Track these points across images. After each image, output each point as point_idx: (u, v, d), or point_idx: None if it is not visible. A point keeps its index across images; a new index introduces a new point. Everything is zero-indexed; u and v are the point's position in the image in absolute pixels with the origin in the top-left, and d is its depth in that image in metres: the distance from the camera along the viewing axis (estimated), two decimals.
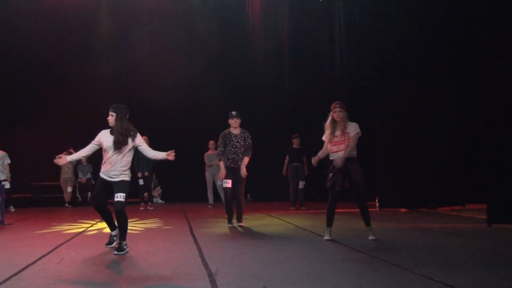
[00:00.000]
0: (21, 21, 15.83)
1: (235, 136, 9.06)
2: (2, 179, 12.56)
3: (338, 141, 7.28)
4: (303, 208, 13.05)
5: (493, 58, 8.91)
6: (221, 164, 9.11)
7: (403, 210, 11.91)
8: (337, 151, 7.29)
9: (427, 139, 12.00)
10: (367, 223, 7.41)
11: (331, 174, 7.30)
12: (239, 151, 9.03)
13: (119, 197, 6.56)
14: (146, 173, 13.49)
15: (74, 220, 11.12)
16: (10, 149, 15.00)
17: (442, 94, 12.21)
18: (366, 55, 14.22)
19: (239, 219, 9.26)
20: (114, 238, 7.08)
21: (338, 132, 7.29)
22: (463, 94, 12.37)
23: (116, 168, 6.68)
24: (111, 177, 6.69)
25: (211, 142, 13.83)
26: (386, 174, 12.22)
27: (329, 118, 7.39)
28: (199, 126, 15.78)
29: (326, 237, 7.43)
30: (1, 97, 15.84)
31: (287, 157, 13.29)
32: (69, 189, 15.05)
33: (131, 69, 16.24)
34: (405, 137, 12.13)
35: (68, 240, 7.88)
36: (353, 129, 7.30)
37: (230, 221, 9.31)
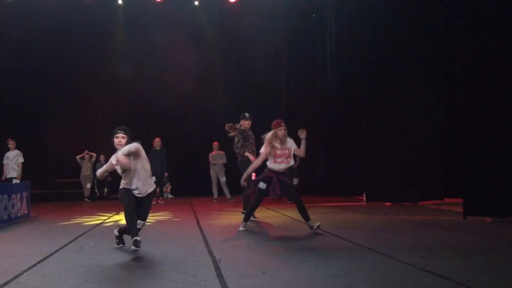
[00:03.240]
0: (44, 23, 15.68)
1: (250, 135, 9.13)
2: (13, 176, 12.49)
3: (281, 154, 7.29)
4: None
5: (470, 66, 8.93)
6: (249, 155, 8.89)
7: (387, 203, 11.91)
8: (280, 162, 7.32)
9: (410, 139, 12.01)
10: (307, 218, 7.33)
11: (265, 184, 7.27)
12: (254, 146, 9.07)
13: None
14: (166, 174, 13.53)
15: (92, 213, 11.13)
16: (35, 149, 15.07)
17: (424, 98, 12.20)
18: (355, 63, 14.23)
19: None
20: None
21: (282, 146, 7.33)
22: (443, 99, 12.36)
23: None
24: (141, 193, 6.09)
25: (215, 143, 13.85)
26: (372, 171, 12.24)
27: (273, 134, 7.31)
28: (205, 129, 15.76)
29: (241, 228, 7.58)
30: (27, 99, 15.75)
31: None
32: (88, 185, 15.06)
33: (148, 73, 16.13)
34: (390, 138, 12.15)
35: (87, 231, 7.89)
36: (292, 143, 7.41)
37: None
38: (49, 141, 15.76)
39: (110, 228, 8.42)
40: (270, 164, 7.38)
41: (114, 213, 10.94)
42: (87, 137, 15.81)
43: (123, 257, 5.59)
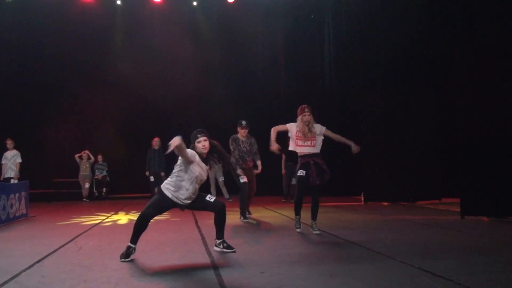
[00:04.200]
0: (43, 23, 15.66)
1: (242, 141, 9.07)
2: (11, 176, 12.45)
3: (305, 139, 7.17)
4: (293, 201, 13.14)
5: (468, 67, 8.96)
6: (239, 171, 8.93)
7: (386, 203, 11.93)
8: (304, 146, 7.19)
9: (408, 140, 12.05)
10: (315, 217, 7.26)
11: (304, 171, 7.12)
12: (245, 154, 9.03)
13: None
14: (163, 174, 13.49)
15: (91, 213, 11.12)
16: (34, 149, 15.06)
17: (421, 99, 12.24)
18: (352, 64, 14.26)
19: (249, 212, 9.41)
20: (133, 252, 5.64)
21: (309, 132, 7.21)
22: (440, 100, 12.40)
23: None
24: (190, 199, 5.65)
25: None
26: (371, 172, 12.27)
27: (300, 121, 7.25)
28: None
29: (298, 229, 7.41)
30: (26, 99, 15.73)
31: (284, 156, 13.35)
32: (87, 185, 15.05)
33: (147, 74, 16.08)
34: (388, 138, 12.18)
35: (86, 231, 7.88)
36: (321, 128, 7.28)
37: (245, 216, 9.11)
38: (47, 141, 15.77)
39: (109, 228, 8.43)
40: (295, 148, 7.24)
41: (112, 213, 10.93)
42: (86, 137, 15.81)
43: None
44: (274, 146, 7.26)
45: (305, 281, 4.34)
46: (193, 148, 5.60)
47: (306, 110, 7.23)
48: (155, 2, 16.13)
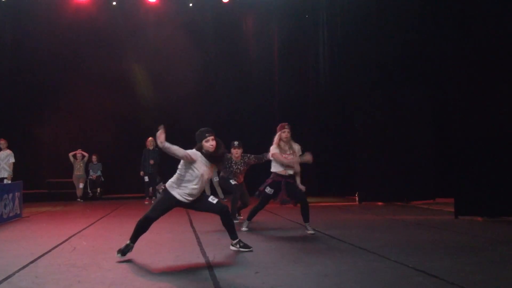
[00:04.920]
0: (37, 22, 15.53)
1: (235, 163, 8.90)
2: (4, 176, 12.39)
3: (287, 157, 7.22)
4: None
5: (461, 68, 9.00)
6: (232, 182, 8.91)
7: (380, 203, 11.95)
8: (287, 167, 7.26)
9: (402, 140, 12.07)
10: (307, 219, 7.29)
11: (272, 190, 7.26)
12: (237, 172, 8.90)
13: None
14: (159, 179, 13.43)
15: (85, 213, 11.09)
16: (28, 149, 14.99)
17: (416, 100, 12.27)
18: (347, 64, 14.28)
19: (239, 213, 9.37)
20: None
21: (288, 149, 7.29)
22: (435, 100, 12.44)
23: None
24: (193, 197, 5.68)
25: None
26: (365, 172, 12.30)
27: (278, 136, 7.27)
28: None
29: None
30: (20, 98, 15.63)
31: None
32: (81, 185, 14.99)
33: (142, 74, 16.04)
34: (382, 138, 12.20)
35: (80, 231, 7.86)
36: (299, 149, 7.37)
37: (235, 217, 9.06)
38: (41, 141, 15.70)
39: (103, 228, 8.40)
40: (276, 169, 7.29)
41: (107, 213, 10.90)
42: (80, 137, 15.73)
43: (115, 258, 5.57)
44: (308, 156, 7.36)
45: (299, 281, 4.35)
46: (200, 148, 5.63)
47: (286, 127, 7.31)
48: (150, 2, 16.08)
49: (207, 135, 5.63)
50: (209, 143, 5.59)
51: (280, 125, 7.42)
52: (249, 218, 7.76)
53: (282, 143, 7.25)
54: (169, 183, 5.67)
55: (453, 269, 4.70)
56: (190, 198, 5.62)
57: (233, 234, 5.92)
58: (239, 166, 8.91)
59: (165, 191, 5.64)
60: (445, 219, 8.70)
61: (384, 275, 4.52)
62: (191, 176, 5.53)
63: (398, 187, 11.99)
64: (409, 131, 12.11)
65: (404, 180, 11.89)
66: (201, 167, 5.57)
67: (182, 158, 5.48)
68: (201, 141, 5.64)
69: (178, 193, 5.57)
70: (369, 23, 13.38)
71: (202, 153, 5.61)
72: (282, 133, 7.27)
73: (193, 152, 5.56)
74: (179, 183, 5.58)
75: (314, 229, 7.26)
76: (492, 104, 8.53)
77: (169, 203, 5.63)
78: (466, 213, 8.68)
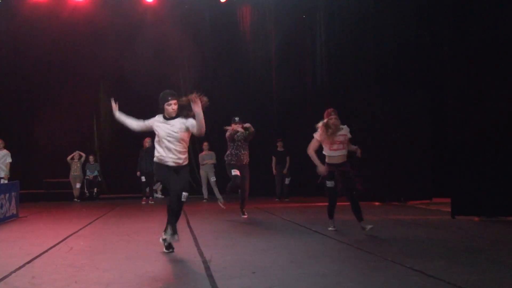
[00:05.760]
0: (34, 22, 15.45)
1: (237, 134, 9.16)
2: (1, 176, 12.34)
3: (335, 141, 7.08)
4: (286, 200, 13.54)
5: (458, 69, 9.02)
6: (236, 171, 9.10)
7: (377, 203, 11.96)
8: (336, 149, 7.09)
9: (399, 140, 12.08)
10: (360, 218, 7.16)
11: (332, 182, 7.12)
12: (241, 148, 9.11)
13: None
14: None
15: (82, 213, 11.07)
16: (25, 149, 14.96)
17: (413, 99, 12.29)
18: (344, 65, 14.30)
19: (242, 212, 9.48)
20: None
21: (336, 133, 7.07)
22: (431, 101, 12.46)
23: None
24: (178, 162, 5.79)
25: (205, 143, 13.86)
26: (361, 171, 12.27)
27: (324, 124, 7.08)
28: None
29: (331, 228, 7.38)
30: (17, 98, 15.57)
31: (274, 158, 13.77)
32: (78, 185, 14.96)
33: (138, 74, 15.92)
34: (379, 138, 12.21)
35: (77, 231, 7.84)
36: (348, 131, 7.21)
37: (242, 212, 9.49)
38: (38, 141, 15.64)
39: (99, 228, 8.39)
40: (326, 152, 7.12)
41: (103, 213, 10.88)
42: (77, 137, 15.69)
43: (112, 258, 5.56)
44: (322, 168, 7.09)
45: (296, 281, 4.35)
46: (162, 111, 5.73)
47: (332, 113, 7.12)
48: (147, 2, 16.04)
49: (169, 98, 5.66)
50: (171, 107, 5.65)
51: (326, 111, 7.19)
52: (330, 216, 7.41)
53: (329, 130, 6.98)
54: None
55: (450, 269, 4.70)
56: (172, 163, 5.70)
57: (170, 225, 5.69)
58: (240, 138, 9.12)
59: (154, 164, 5.88)
60: (442, 219, 8.72)
61: (381, 275, 4.52)
62: (158, 140, 5.78)
63: (395, 187, 12.00)
64: (406, 131, 12.12)
65: (401, 180, 11.91)
66: (161, 129, 5.71)
67: (138, 129, 5.87)
68: (163, 104, 5.71)
69: (159, 158, 5.75)
70: (366, 23, 13.39)
71: (164, 116, 5.77)
72: (329, 120, 7.05)
73: (150, 120, 5.81)
74: (157, 150, 5.80)
75: (370, 225, 6.99)
76: (488, 105, 8.55)
77: (163, 171, 5.77)
78: (463, 213, 8.70)
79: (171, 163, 5.75)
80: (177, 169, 5.79)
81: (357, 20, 13.71)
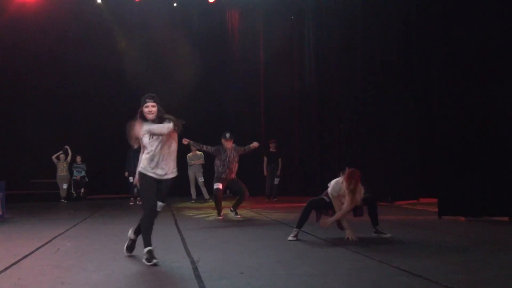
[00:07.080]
0: (22, 20, 15.29)
1: (228, 149, 9.35)
2: None
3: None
4: (275, 200, 13.61)
5: (445, 70, 9.10)
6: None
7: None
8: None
9: (386, 141, 12.14)
10: (375, 222, 7.04)
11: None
12: (232, 160, 9.30)
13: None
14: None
15: (68, 214, 10.98)
16: (11, 149, 14.81)
17: (399, 100, 12.34)
18: (333, 65, 14.33)
19: (235, 211, 9.68)
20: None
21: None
22: (418, 101, 12.54)
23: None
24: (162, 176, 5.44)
25: None
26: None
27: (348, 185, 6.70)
28: (184, 132, 15.58)
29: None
30: (2, 97, 15.36)
31: (265, 159, 13.79)
32: (65, 186, 14.84)
33: (129, 74, 15.82)
34: (367, 139, 12.28)
35: (64, 232, 7.77)
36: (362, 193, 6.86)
37: (219, 214, 9.62)
38: (24, 141, 15.47)
39: (86, 229, 8.33)
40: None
41: (90, 214, 10.80)
42: (64, 138, 15.55)
43: (99, 259, 5.53)
44: (351, 234, 6.63)
45: (285, 282, 4.35)
46: (140, 113, 5.39)
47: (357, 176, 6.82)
48: (135, 1, 15.96)
49: (147, 100, 5.39)
50: (148, 109, 5.35)
51: (350, 173, 6.89)
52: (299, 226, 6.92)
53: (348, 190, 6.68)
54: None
55: (436, 268, 4.74)
56: (157, 173, 5.34)
57: (144, 236, 5.36)
58: (233, 152, 9.32)
59: (138, 175, 5.47)
60: (429, 219, 8.77)
61: (368, 275, 4.54)
62: (145, 150, 5.46)
63: (382, 187, 12.05)
64: (393, 132, 12.19)
65: (388, 180, 11.96)
66: (144, 137, 5.39)
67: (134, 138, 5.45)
68: (142, 106, 5.41)
69: (144, 169, 5.38)
70: (354, 24, 13.43)
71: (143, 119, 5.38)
72: (354, 183, 6.72)
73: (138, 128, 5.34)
74: (141, 161, 5.47)
75: (384, 232, 6.90)
76: (475, 106, 8.61)
77: (148, 182, 5.36)
78: (450, 213, 8.76)
79: (152, 174, 5.49)
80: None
81: (346, 20, 13.75)
